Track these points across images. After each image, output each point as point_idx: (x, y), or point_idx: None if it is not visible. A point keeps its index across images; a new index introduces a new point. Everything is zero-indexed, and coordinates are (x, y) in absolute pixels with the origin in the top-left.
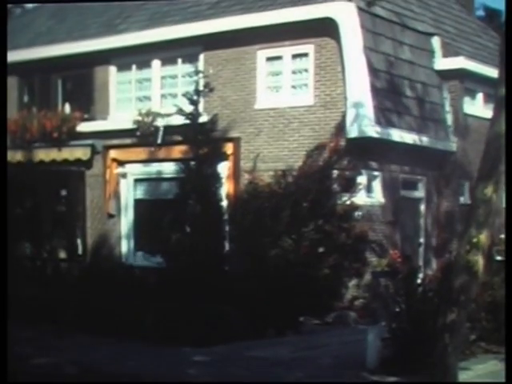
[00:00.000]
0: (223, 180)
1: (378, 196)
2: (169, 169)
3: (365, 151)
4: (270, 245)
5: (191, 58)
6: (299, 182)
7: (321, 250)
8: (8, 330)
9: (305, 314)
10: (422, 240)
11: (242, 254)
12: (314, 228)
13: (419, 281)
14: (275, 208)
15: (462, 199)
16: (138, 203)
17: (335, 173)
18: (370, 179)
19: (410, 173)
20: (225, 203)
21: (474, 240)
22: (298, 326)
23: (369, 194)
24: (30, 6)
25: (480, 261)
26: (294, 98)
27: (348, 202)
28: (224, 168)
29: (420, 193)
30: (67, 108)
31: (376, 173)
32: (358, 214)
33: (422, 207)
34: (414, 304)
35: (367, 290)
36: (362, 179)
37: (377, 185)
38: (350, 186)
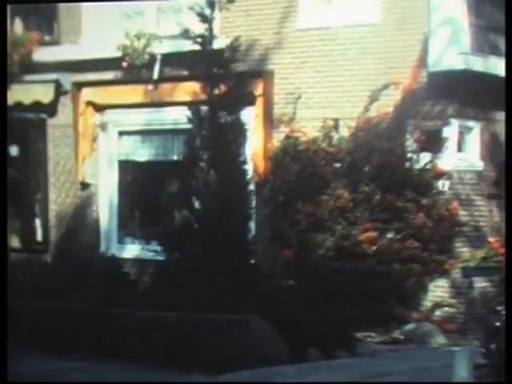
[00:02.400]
0: (248, 133)
1: (473, 158)
2: (169, 117)
3: (456, 92)
4: (314, 228)
5: None
6: (358, 136)
7: (389, 235)
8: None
9: (364, 328)
10: None
11: (274, 240)
12: (379, 204)
13: None
14: (323, 174)
15: None
16: (124, 166)
17: (411, 123)
18: (463, 133)
19: None
20: (251, 167)
21: None
22: (354, 345)
23: (460, 154)
24: None
25: None
26: (351, 13)
27: (429, 167)
28: (250, 116)
29: None
30: (19, 26)
31: (471, 123)
32: (443, 183)
33: None
34: None
35: (455, 294)
36: (450, 133)
37: (472, 141)
38: (432, 143)
